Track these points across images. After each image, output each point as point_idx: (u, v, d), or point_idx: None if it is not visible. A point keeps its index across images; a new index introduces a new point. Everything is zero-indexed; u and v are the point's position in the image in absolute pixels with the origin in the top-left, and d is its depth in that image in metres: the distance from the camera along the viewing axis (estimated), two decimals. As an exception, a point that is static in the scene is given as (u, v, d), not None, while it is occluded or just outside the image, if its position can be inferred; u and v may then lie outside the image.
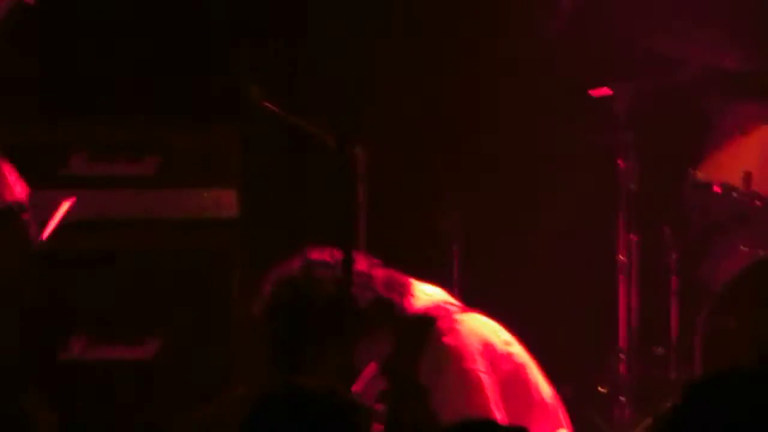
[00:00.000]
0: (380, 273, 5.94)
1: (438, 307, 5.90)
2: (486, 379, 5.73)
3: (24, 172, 6.87)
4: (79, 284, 7.37)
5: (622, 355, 7.85)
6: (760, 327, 7.50)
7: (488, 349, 5.81)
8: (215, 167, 7.48)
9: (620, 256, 7.69)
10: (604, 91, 7.68)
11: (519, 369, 5.77)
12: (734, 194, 7.50)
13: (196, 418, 7.28)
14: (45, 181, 7.02)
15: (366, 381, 6.09)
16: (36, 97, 7.76)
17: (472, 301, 6.07)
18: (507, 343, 5.78)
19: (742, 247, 7.56)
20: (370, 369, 6.00)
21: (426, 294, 5.89)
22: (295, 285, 5.93)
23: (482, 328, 5.80)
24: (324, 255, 5.84)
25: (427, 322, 5.86)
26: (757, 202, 7.51)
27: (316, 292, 5.86)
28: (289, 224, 7.48)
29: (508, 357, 5.83)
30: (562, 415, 5.92)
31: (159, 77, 8.19)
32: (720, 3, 8.10)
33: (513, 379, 5.81)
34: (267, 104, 6.92)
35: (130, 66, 8.15)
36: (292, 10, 8.31)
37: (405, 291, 5.88)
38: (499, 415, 5.60)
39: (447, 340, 5.77)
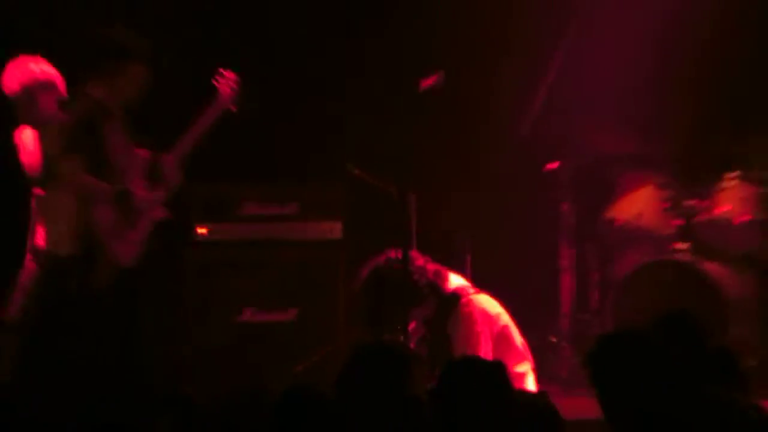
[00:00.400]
0: (430, 265, 8.33)
1: (461, 288, 8.30)
2: (483, 335, 8.22)
3: (211, 213, 10.02)
4: (248, 276, 9.92)
5: (565, 319, 10.57)
6: (648, 303, 9.83)
7: (487, 316, 8.21)
8: (330, 208, 10.14)
9: (563, 262, 10.62)
10: (554, 164, 10.25)
11: (504, 329, 8.17)
12: (629, 225, 10.47)
13: (306, 366, 9.51)
14: (226, 219, 10.00)
15: (412, 333, 8.38)
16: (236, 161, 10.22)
17: (478, 284, 8.45)
18: (498, 313, 8.20)
19: (634, 255, 10.40)
20: (413, 325, 8.32)
21: (455, 280, 8.31)
22: (379, 272, 8.36)
23: (485, 303, 8.19)
24: (396, 254, 8.24)
25: (455, 297, 8.25)
26: (643, 230, 10.34)
27: (391, 277, 8.24)
28: (371, 240, 9.08)
29: (498, 320, 8.19)
30: (528, 354, 8.31)
31: (298, 155, 10.61)
32: (624, 118, 10.72)
33: (500, 335, 8.21)
34: (357, 172, 9.34)
35: (281, 145, 10.55)
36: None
37: (444, 278, 8.28)
38: (492, 348, 8.17)
39: (464, 309, 8.17)
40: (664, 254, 10.22)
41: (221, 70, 9.00)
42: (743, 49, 10.99)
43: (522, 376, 8.35)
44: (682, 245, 10.26)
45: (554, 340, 10.35)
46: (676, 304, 9.20)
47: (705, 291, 9.96)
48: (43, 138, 8.64)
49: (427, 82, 9.07)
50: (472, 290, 8.42)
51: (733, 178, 10.36)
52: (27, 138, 8.63)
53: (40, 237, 8.66)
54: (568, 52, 10.61)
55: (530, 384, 8.36)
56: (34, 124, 8.65)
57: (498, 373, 5.68)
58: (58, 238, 8.75)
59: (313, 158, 10.49)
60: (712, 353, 6.56)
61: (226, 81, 8.99)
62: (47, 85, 8.69)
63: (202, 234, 9.93)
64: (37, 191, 8.74)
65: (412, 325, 8.57)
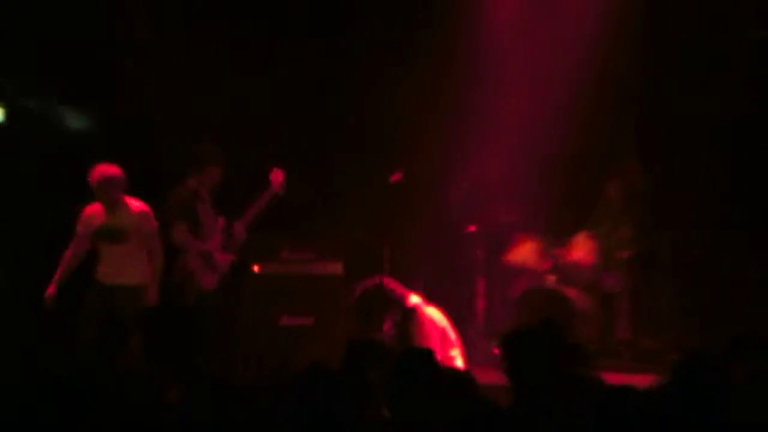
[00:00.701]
0: (399, 288, 8.71)
1: (417, 304, 8.69)
2: (431, 334, 8.39)
3: (261, 257, 9.70)
4: (283, 296, 9.64)
5: (479, 323, 10.56)
6: (531, 314, 9.58)
7: (433, 321, 8.51)
8: (335, 254, 9.74)
9: (478, 289, 10.60)
10: (472, 228, 10.47)
11: (443, 329, 8.53)
12: (519, 265, 10.37)
13: (316, 352, 8.97)
14: (270, 260, 9.86)
15: (386, 332, 8.66)
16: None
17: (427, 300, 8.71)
18: (440, 319, 8.56)
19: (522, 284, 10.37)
20: (388, 326, 8.64)
21: (413, 298, 8.78)
22: (369, 292, 8.82)
23: (432, 313, 8.57)
24: (377, 281, 8.75)
25: (413, 309, 8.63)
26: (527, 268, 10.33)
27: (377, 294, 8.70)
28: (360, 275, 9.30)
29: (440, 323, 8.52)
30: (459, 344, 8.59)
31: (316, 222, 10.42)
32: (516, 198, 10.62)
33: (441, 332, 8.49)
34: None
35: (304, 215, 10.32)
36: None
37: (406, 296, 8.70)
38: (439, 341, 8.34)
39: (419, 318, 8.53)
40: (540, 283, 10.46)
41: (274, 167, 9.14)
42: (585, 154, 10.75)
43: (454, 358, 8.52)
44: (551, 277, 10.45)
45: (473, 336, 10.41)
46: (548, 314, 9.11)
47: (565, 306, 10.05)
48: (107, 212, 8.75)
49: (395, 177, 9.65)
50: (423, 304, 8.69)
51: (581, 237, 10.45)
52: (97, 210, 8.77)
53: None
54: (479, 157, 10.66)
55: (459, 363, 8.49)
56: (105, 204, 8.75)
57: (431, 357, 5.70)
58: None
59: (325, 223, 10.44)
60: (569, 345, 6.34)
61: (276, 175, 9.11)
62: (117, 182, 8.66)
63: (256, 270, 9.94)
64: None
65: (386, 326, 8.67)
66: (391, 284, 8.77)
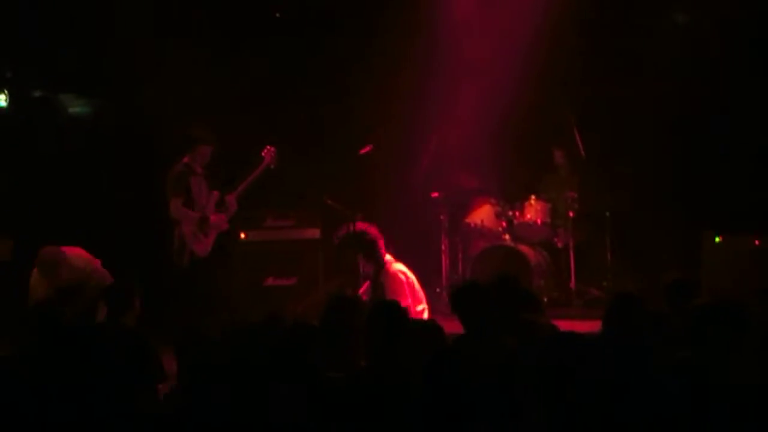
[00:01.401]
0: (381, 241, 8.37)
1: (388, 260, 8.39)
2: (403, 284, 8.22)
3: (248, 225, 9.95)
4: (269, 260, 9.99)
5: (443, 279, 10.58)
6: (489, 269, 9.61)
7: (403, 275, 8.26)
8: (314, 221, 10.06)
9: (442, 247, 10.54)
10: (436, 194, 10.48)
11: (411, 283, 8.30)
12: (477, 226, 10.43)
13: (300, 307, 9.45)
14: (256, 228, 10.13)
15: (364, 288, 8.47)
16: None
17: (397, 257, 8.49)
18: (408, 273, 8.33)
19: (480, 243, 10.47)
20: (364, 288, 8.47)
21: (387, 255, 8.45)
22: (350, 235, 8.56)
23: (402, 268, 8.35)
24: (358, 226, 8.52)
25: (386, 263, 8.31)
26: (485, 229, 10.40)
27: (359, 236, 8.40)
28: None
29: (408, 278, 8.31)
30: (425, 298, 8.45)
31: (296, 191, 10.30)
32: (474, 165, 10.76)
33: (409, 286, 8.30)
34: (329, 202, 9.34)
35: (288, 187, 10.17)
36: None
37: (382, 252, 8.32)
38: (409, 300, 8.10)
39: (390, 271, 8.27)
40: (497, 242, 10.54)
41: (267, 145, 9.27)
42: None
43: (422, 312, 8.43)
44: (507, 237, 10.53)
45: (438, 290, 10.55)
46: (505, 268, 9.24)
47: (520, 260, 10.13)
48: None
49: (365, 150, 9.63)
50: (393, 261, 8.50)
51: (533, 200, 10.56)
52: None
53: None
54: (441, 132, 10.67)
55: (425, 315, 8.42)
56: None
57: (400, 309, 5.75)
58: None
59: (304, 193, 10.44)
60: (524, 294, 6.63)
61: (269, 151, 9.24)
62: None
63: (243, 237, 10.13)
64: None
65: (362, 288, 8.49)
66: (371, 231, 8.54)
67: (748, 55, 10.23)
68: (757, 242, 9.27)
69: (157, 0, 10.43)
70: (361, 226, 8.48)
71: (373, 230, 8.42)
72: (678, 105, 10.31)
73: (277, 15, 11.18)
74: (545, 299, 9.87)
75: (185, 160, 8.93)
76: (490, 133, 10.65)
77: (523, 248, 10.23)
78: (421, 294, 8.52)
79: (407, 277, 8.33)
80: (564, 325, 6.76)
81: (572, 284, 10.40)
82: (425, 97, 10.69)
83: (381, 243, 8.35)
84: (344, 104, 11.09)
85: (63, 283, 8.01)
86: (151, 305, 6.77)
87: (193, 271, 8.90)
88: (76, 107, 10.93)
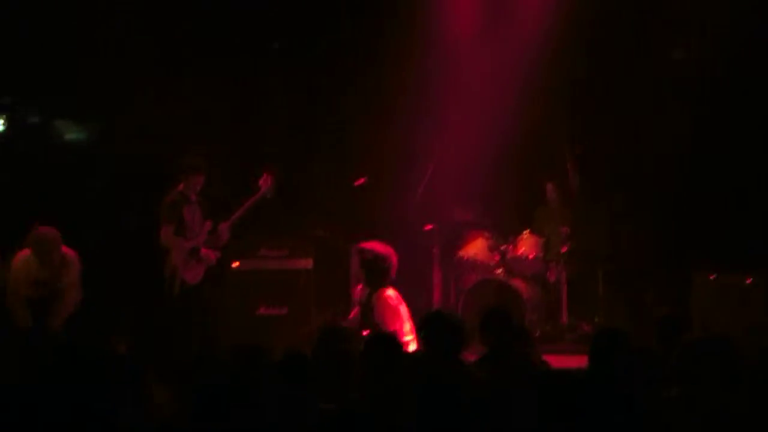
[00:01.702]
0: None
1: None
2: (393, 308, 7.84)
3: (242, 254, 9.85)
4: (261, 289, 9.86)
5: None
6: (482, 302, 9.42)
7: (393, 298, 7.88)
8: (306, 252, 9.91)
9: (435, 280, 10.45)
10: (429, 226, 10.40)
11: (402, 309, 7.87)
12: (471, 259, 10.37)
13: (299, 335, 9.28)
14: (250, 257, 10.00)
15: (354, 314, 8.23)
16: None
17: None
18: (399, 300, 7.95)
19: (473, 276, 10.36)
20: (354, 314, 8.21)
21: None
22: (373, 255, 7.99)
23: (393, 293, 7.92)
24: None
25: (378, 289, 7.91)
26: (478, 262, 10.37)
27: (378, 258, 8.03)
28: (330, 270, 9.72)
29: (398, 299, 7.93)
30: (411, 323, 7.90)
31: (290, 222, 10.27)
32: (468, 199, 10.72)
33: (399, 310, 7.87)
34: (321, 233, 9.81)
35: (281, 216, 10.07)
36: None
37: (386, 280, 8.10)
38: (397, 325, 7.71)
39: (383, 293, 7.87)
40: (489, 275, 10.50)
41: (264, 172, 9.23)
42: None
43: (408, 342, 7.96)
44: (499, 270, 10.51)
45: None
46: (497, 302, 9.49)
47: (512, 294, 10.09)
48: None
49: (359, 181, 9.77)
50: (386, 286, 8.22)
51: (526, 234, 10.57)
52: None
53: None
54: (436, 164, 10.57)
55: (412, 345, 7.86)
56: None
57: (396, 342, 5.68)
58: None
59: (298, 223, 10.48)
60: (517, 329, 6.52)
61: (266, 180, 9.21)
62: None
63: (236, 266, 10.06)
64: None
65: (352, 315, 8.33)
66: (392, 258, 8.19)
67: (743, 92, 10.24)
68: (749, 280, 9.27)
69: (155, 28, 10.39)
70: (385, 250, 8.15)
71: (393, 258, 8.13)
72: (671, 142, 10.29)
73: (276, 46, 11.19)
74: (537, 333, 9.86)
75: (179, 188, 8.96)
76: (484, 165, 10.62)
77: (516, 282, 10.21)
78: (409, 323, 8.13)
79: (397, 303, 8.09)
80: (555, 360, 6.73)
81: (564, 319, 10.40)
82: (420, 128, 10.70)
83: (392, 272, 8.09)
84: (339, 135, 11.05)
85: (54, 266, 8.19)
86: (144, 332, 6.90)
87: (185, 299, 8.86)
88: (72, 134, 10.94)
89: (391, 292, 8.10)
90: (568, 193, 10.60)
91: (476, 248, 10.57)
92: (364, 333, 7.54)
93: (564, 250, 10.41)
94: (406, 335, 8.06)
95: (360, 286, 8.22)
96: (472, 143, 10.60)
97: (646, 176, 10.59)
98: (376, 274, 8.06)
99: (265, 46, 11.15)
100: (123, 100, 10.36)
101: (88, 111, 10.78)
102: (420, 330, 5.99)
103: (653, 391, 4.72)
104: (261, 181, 9.16)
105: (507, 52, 10.55)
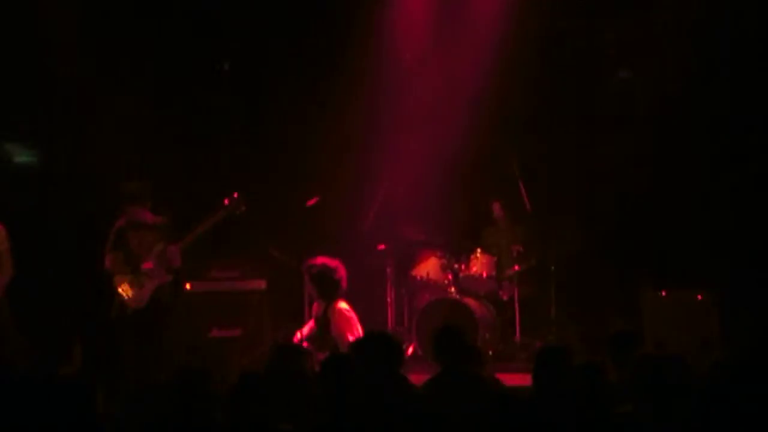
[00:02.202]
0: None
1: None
2: (351, 319, 8.05)
3: (193, 276, 9.70)
4: (213, 311, 9.74)
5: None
6: (435, 321, 9.36)
7: (349, 312, 8.07)
8: (260, 273, 9.82)
9: (388, 299, 10.50)
10: (382, 246, 10.49)
11: (355, 317, 8.11)
12: (423, 278, 10.40)
13: (248, 360, 9.26)
14: (201, 279, 9.89)
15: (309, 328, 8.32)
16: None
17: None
18: (350, 308, 8.17)
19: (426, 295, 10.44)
20: (310, 322, 8.30)
21: None
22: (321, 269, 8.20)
23: (345, 305, 8.11)
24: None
25: (332, 302, 8.14)
26: (431, 281, 10.41)
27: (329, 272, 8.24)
28: (283, 291, 9.53)
29: (351, 313, 8.10)
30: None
31: (243, 243, 10.06)
32: (421, 219, 10.66)
33: (354, 320, 8.11)
34: (275, 253, 9.50)
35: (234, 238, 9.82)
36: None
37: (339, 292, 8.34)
38: (357, 333, 7.92)
39: (338, 306, 8.08)
40: (442, 295, 10.49)
41: (235, 194, 9.06)
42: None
43: None
44: (452, 289, 10.50)
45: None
46: (450, 321, 9.12)
47: (465, 313, 10.07)
48: None
49: (311, 201, 9.71)
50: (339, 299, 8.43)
51: (479, 252, 10.60)
52: None
53: None
54: (387, 184, 10.68)
55: None
56: None
57: (350, 362, 5.67)
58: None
59: (250, 244, 10.26)
60: (468, 348, 6.54)
61: (233, 200, 9.00)
62: None
63: (188, 288, 9.97)
64: None
65: (308, 325, 8.44)
66: (341, 271, 8.35)
67: (692, 111, 10.31)
68: (699, 297, 9.36)
69: (105, 50, 10.32)
70: (333, 262, 8.29)
71: (342, 270, 8.26)
72: (620, 160, 10.38)
73: (225, 67, 11.17)
74: (490, 352, 9.89)
75: (126, 214, 8.84)
76: (436, 185, 10.68)
77: (469, 301, 10.21)
78: (359, 327, 8.26)
79: (352, 315, 8.19)
80: (508, 379, 6.77)
81: (517, 337, 10.42)
82: (372, 148, 10.75)
83: (344, 284, 8.22)
84: (291, 155, 11.03)
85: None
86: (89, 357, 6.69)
87: (125, 325, 8.69)
88: (21, 157, 10.82)
89: (344, 305, 8.17)
90: (513, 211, 10.65)
91: (429, 267, 10.58)
92: (320, 356, 7.10)
93: (516, 268, 10.48)
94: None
95: (316, 304, 8.26)
96: (423, 163, 10.64)
97: (596, 194, 10.66)
98: (328, 286, 8.18)
99: (215, 67, 11.12)
100: (72, 123, 10.24)
101: (37, 134, 10.66)
102: (356, 351, 5.99)
103: (604, 407, 4.72)
104: (227, 201, 8.97)
105: (455, 74, 10.64)
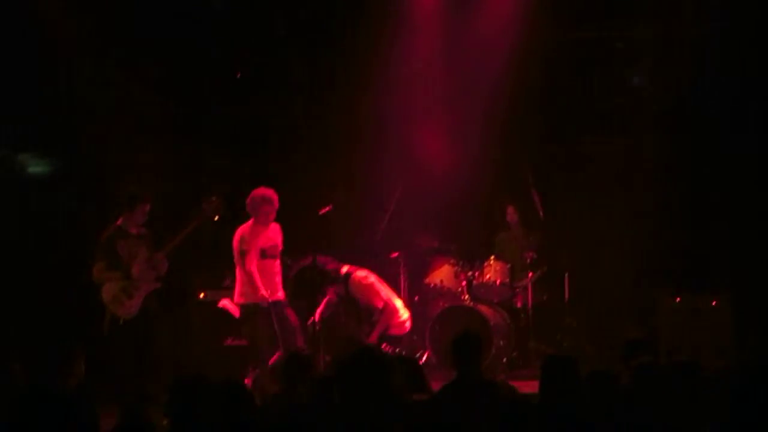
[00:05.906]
0: (332, 263, 9.00)
1: (350, 268, 9.00)
2: (372, 285, 8.83)
3: (205, 286, 9.84)
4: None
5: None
6: (450, 329, 9.44)
7: (369, 278, 8.89)
8: None
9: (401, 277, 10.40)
10: (395, 254, 10.40)
11: (377, 282, 8.93)
12: (437, 286, 10.34)
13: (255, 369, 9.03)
14: (212, 288, 9.93)
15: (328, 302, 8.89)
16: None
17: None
18: (370, 274, 8.94)
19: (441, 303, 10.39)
20: (330, 296, 8.86)
21: (345, 267, 9.03)
22: (305, 269, 8.83)
23: (363, 272, 8.93)
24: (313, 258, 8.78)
25: (348, 274, 8.97)
26: (445, 289, 10.35)
27: (312, 271, 8.75)
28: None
29: (369, 278, 8.91)
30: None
31: None
32: (435, 227, 10.71)
33: (375, 285, 8.90)
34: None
35: None
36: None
37: (338, 267, 8.99)
38: (383, 298, 8.77)
39: (356, 277, 8.92)
40: (456, 302, 10.48)
41: (213, 197, 9.07)
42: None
43: (398, 309, 9.24)
44: (466, 297, 10.49)
45: (399, 351, 10.01)
46: (465, 328, 8.60)
47: (480, 321, 10.05)
48: None
49: (324, 210, 9.58)
50: (354, 269, 9.09)
51: (492, 260, 10.59)
52: None
53: None
54: (401, 192, 10.67)
55: (404, 312, 9.32)
56: None
57: (375, 354, 5.67)
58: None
59: None
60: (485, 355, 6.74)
61: (210, 203, 9.04)
62: None
63: (202, 297, 10.06)
64: None
65: (328, 297, 8.92)
66: (324, 260, 8.74)
67: (706, 117, 10.35)
68: (714, 302, 9.43)
69: (119, 58, 10.35)
70: (305, 261, 8.58)
71: (320, 259, 8.53)
72: (636, 164, 10.45)
73: (238, 75, 11.16)
74: (505, 360, 9.90)
75: (118, 222, 8.92)
76: (449, 193, 10.69)
77: (483, 308, 10.19)
78: (389, 292, 9.08)
79: (373, 278, 8.77)
80: (523, 386, 6.80)
81: (531, 345, 10.36)
82: (385, 156, 10.71)
83: (331, 265, 8.56)
84: (304, 164, 11.02)
85: None
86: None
87: (116, 335, 8.68)
88: (35, 167, 10.86)
89: (361, 273, 8.79)
90: (527, 216, 10.64)
91: (442, 275, 10.56)
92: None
93: (530, 275, 10.44)
94: (394, 298, 9.24)
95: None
96: (436, 171, 10.67)
97: (610, 200, 10.65)
98: (325, 279, 8.64)
99: (230, 76, 11.13)
100: (86, 133, 10.25)
101: (51, 145, 10.68)
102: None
103: (615, 414, 4.73)
104: (204, 204, 8.99)
105: (468, 82, 10.65)
